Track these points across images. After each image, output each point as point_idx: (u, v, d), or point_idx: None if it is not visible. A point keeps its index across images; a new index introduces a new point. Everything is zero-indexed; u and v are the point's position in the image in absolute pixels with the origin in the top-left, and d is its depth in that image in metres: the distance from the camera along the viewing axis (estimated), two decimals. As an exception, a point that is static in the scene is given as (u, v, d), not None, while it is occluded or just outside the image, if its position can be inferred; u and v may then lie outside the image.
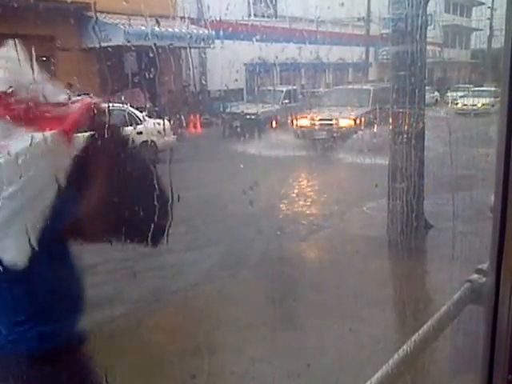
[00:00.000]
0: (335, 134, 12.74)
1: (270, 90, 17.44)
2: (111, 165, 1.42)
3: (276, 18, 18.08)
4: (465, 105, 20.05)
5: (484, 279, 1.49)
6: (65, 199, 1.33)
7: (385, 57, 20.62)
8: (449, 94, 23.28)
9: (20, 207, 1.32)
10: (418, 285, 4.31)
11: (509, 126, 1.11)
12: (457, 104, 20.41)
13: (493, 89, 21.17)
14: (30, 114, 1.33)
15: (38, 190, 1.34)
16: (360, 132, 12.65)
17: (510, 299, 1.25)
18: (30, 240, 1.30)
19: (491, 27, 30.38)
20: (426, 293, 4.28)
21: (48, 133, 1.32)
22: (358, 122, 13.37)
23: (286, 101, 16.79)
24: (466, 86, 25.38)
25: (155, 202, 1.38)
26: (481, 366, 1.35)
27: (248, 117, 14.67)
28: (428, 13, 6.27)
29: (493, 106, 19.45)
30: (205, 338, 3.21)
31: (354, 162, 10.33)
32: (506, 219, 1.17)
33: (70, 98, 1.41)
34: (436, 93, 24.13)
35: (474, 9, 39.16)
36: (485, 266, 1.44)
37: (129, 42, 11.65)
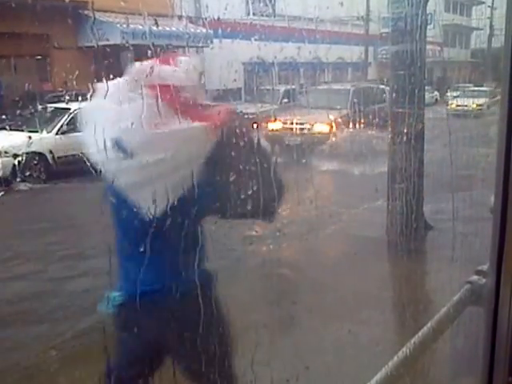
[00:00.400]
0: (308, 140, 11.57)
1: (268, 90, 17.42)
2: (240, 156, 1.82)
3: (274, 17, 18.07)
4: (459, 105, 19.29)
5: (484, 280, 1.48)
6: (200, 176, 1.72)
7: (384, 56, 20.61)
8: (449, 93, 23.22)
9: (164, 172, 1.70)
10: (417, 286, 4.29)
11: (509, 125, 1.10)
12: (451, 105, 19.70)
13: (488, 89, 20.89)
14: (186, 107, 1.75)
15: (180, 163, 1.71)
16: (335, 138, 11.81)
17: (510, 301, 1.24)
18: (166, 198, 1.65)
19: (491, 26, 30.37)
20: (425, 294, 4.26)
21: (196, 124, 1.74)
22: (334, 126, 12.18)
23: (285, 100, 16.77)
24: (466, 85, 25.28)
25: (273, 187, 1.80)
26: (481, 368, 1.34)
27: (246, 116, 14.59)
28: (428, 12, 6.25)
29: (488, 107, 19.08)
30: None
31: (326, 170, 9.91)
32: (506, 220, 1.15)
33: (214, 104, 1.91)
34: (436, 92, 24.12)
35: (474, 8, 39.19)
36: (485, 267, 1.43)
37: (126, 41, 11.60)
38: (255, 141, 1.87)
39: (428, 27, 6.18)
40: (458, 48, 37.52)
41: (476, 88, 21.79)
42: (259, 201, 1.78)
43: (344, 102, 12.88)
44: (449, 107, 19.10)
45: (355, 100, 12.75)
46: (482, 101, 19.47)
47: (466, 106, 18.87)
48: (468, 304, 1.61)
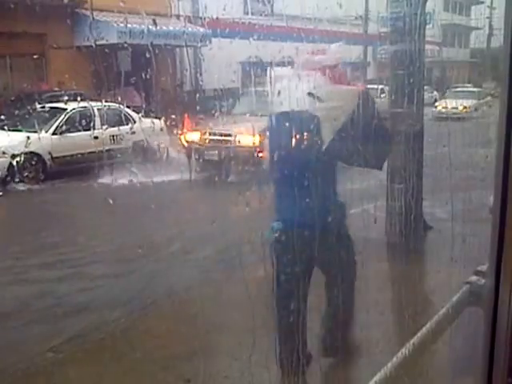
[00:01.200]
0: (231, 155, 9.58)
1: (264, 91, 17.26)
2: (368, 116, 2.65)
3: (273, 16, 18.05)
4: (444, 107, 18.05)
5: (483, 281, 1.47)
6: (347, 125, 2.61)
7: (383, 56, 20.58)
8: (448, 93, 23.16)
9: (339, 114, 2.66)
10: (417, 287, 4.27)
11: (508, 126, 1.09)
12: (436, 107, 18.71)
13: (476, 89, 20.18)
14: (338, 78, 2.94)
15: (344, 111, 2.67)
16: (261, 153, 8.50)
17: (509, 301, 1.22)
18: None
19: (490, 26, 30.35)
20: (425, 295, 4.25)
21: (348, 87, 3.09)
22: (262, 138, 8.76)
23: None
24: (466, 85, 25.18)
25: (386, 143, 2.76)
26: (480, 369, 1.33)
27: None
28: (426, 11, 6.24)
29: (476, 109, 17.95)
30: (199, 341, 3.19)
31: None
32: (506, 221, 1.14)
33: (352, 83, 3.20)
34: (435, 92, 24.10)
35: (473, 7, 39.18)
36: (484, 267, 1.42)
37: (123, 40, 11.51)
38: (375, 111, 2.76)
39: (427, 27, 6.17)
40: (457, 48, 37.51)
41: (463, 89, 21.24)
42: (376, 152, 2.63)
43: None
44: (435, 109, 18.15)
45: None
46: (469, 102, 18.51)
47: (452, 108, 17.87)
48: (467, 305, 1.60)
